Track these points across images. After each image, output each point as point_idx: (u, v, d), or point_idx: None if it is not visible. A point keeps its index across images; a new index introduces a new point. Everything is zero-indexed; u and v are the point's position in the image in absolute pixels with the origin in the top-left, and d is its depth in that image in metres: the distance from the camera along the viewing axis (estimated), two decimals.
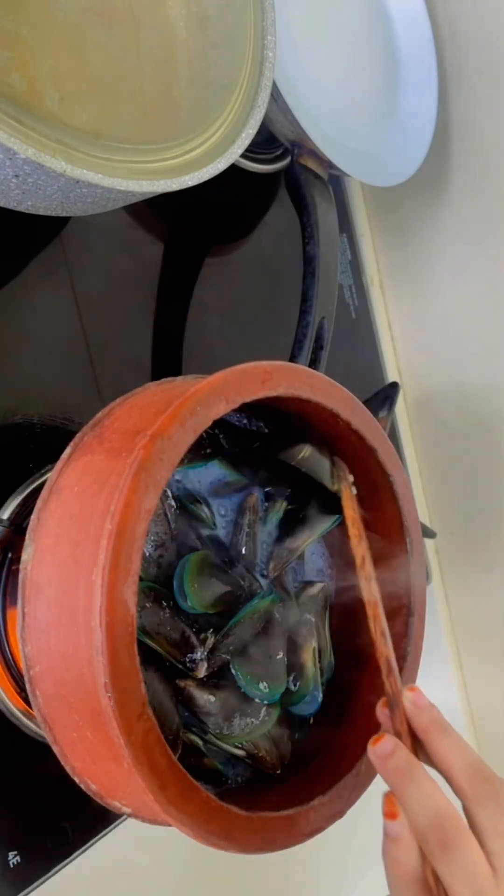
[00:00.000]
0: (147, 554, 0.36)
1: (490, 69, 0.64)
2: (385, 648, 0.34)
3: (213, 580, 0.36)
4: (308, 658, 0.40)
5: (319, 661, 0.41)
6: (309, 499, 0.42)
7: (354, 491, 0.39)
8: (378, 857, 0.31)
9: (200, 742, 0.36)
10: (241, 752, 0.36)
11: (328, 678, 0.41)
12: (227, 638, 0.36)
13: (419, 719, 0.33)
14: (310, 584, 0.42)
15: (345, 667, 0.42)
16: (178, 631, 0.34)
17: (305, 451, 0.39)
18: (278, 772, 0.37)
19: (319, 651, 0.41)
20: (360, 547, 0.36)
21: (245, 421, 0.41)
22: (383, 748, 0.31)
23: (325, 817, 0.34)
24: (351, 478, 0.40)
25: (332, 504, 0.41)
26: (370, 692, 0.40)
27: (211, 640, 0.35)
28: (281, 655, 0.38)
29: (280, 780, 0.37)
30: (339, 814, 0.35)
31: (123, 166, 0.36)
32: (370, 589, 0.35)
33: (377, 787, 0.36)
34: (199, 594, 0.35)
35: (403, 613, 0.40)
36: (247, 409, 0.38)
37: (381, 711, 0.33)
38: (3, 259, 0.45)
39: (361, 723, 0.38)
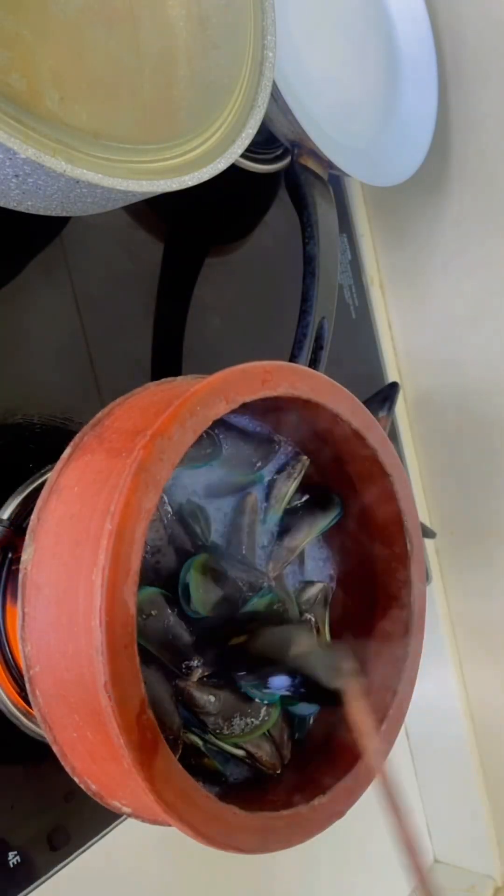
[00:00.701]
0: (146, 558, 0.35)
1: (490, 69, 0.64)
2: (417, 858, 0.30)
3: (215, 584, 0.36)
4: None
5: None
6: None
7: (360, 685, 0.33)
8: (377, 857, 0.31)
9: (200, 742, 0.36)
10: (240, 753, 0.36)
11: None
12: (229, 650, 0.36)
13: None
14: (310, 584, 0.42)
15: None
16: (179, 637, 0.34)
17: (299, 646, 0.34)
18: (278, 772, 0.37)
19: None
20: (381, 768, 0.31)
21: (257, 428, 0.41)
22: None
23: (325, 817, 0.34)
24: (356, 669, 0.34)
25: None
26: (370, 692, 0.40)
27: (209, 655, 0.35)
28: None
29: (280, 780, 0.37)
30: (339, 814, 0.35)
31: (123, 166, 0.36)
32: (391, 793, 0.30)
33: (377, 788, 0.36)
34: (203, 599, 0.35)
35: (403, 613, 0.40)
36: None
37: None
38: (3, 259, 0.45)
39: None
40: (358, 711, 0.32)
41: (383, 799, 0.31)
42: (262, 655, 0.34)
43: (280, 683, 0.32)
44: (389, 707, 0.38)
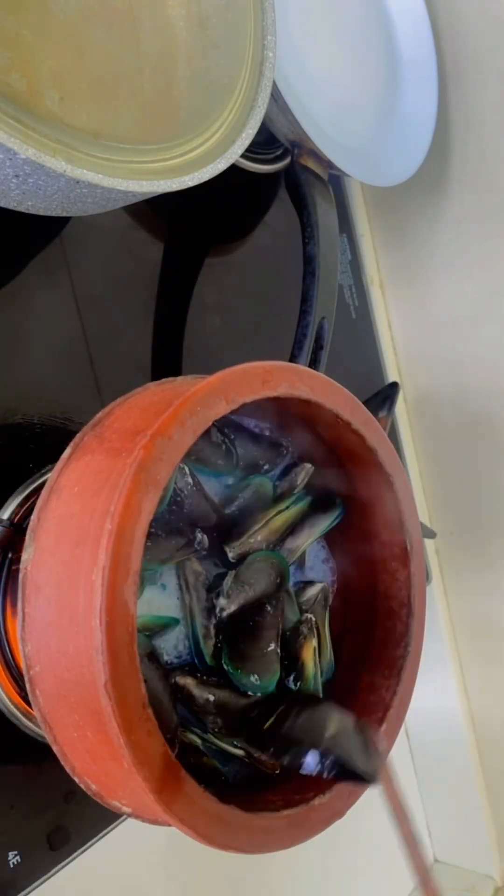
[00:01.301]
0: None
1: (490, 69, 0.64)
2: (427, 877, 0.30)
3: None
4: (308, 657, 0.40)
5: (319, 661, 0.41)
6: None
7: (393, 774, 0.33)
8: (376, 857, 0.31)
9: (199, 741, 0.36)
10: (240, 753, 0.36)
11: (327, 678, 0.41)
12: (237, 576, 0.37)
13: None
14: (310, 584, 0.42)
15: (344, 667, 0.42)
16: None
17: (333, 729, 0.33)
18: (277, 772, 0.37)
19: (319, 650, 0.41)
20: (416, 856, 0.31)
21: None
22: None
23: (325, 817, 0.34)
24: (386, 750, 0.35)
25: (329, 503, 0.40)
26: (369, 692, 0.40)
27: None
28: (273, 647, 0.38)
29: (280, 779, 0.37)
30: (339, 814, 0.35)
31: (124, 166, 0.36)
32: (417, 855, 0.31)
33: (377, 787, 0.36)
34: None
35: (403, 613, 0.40)
36: None
37: None
38: (3, 259, 0.45)
39: None
40: (391, 793, 0.32)
41: (388, 804, 0.31)
42: (296, 739, 0.33)
43: (312, 763, 0.32)
44: (389, 707, 0.38)
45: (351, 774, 0.32)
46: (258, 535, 0.38)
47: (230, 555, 0.37)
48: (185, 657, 0.37)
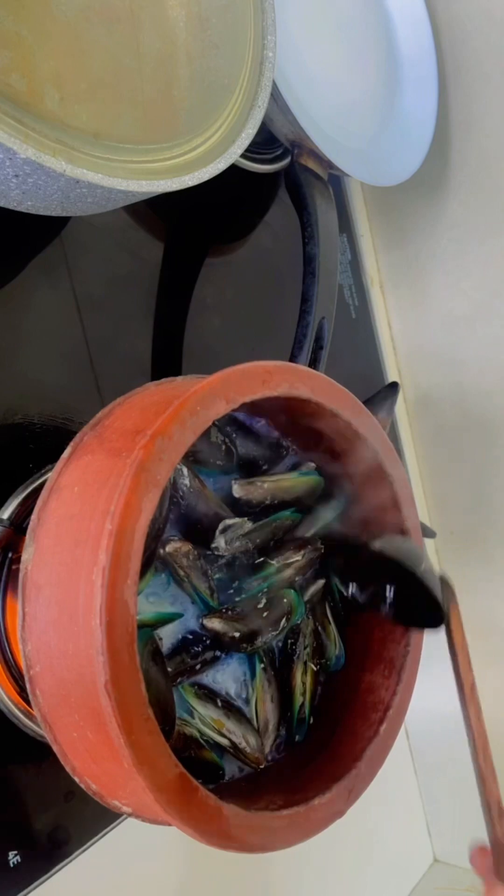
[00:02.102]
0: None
1: (490, 69, 0.64)
2: (495, 789, 0.31)
3: None
4: (297, 682, 0.40)
5: (322, 658, 0.41)
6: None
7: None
8: (376, 858, 0.31)
9: (198, 733, 0.36)
10: (225, 742, 0.36)
11: (336, 669, 0.42)
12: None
13: None
14: (311, 581, 0.42)
15: (347, 664, 0.42)
16: None
17: (425, 563, 0.36)
18: (262, 766, 0.37)
19: (322, 648, 0.41)
20: (468, 675, 0.33)
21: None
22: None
23: (325, 817, 0.34)
24: (457, 601, 0.37)
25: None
26: (371, 691, 0.40)
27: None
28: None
29: (280, 779, 0.37)
30: (339, 814, 0.35)
31: (124, 166, 0.36)
32: (479, 724, 0.32)
33: (377, 787, 0.37)
34: None
35: None
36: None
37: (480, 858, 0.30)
38: (3, 259, 0.45)
39: (361, 722, 0.38)
40: (460, 639, 0.36)
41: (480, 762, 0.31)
42: (392, 561, 0.35)
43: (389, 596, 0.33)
44: (389, 707, 0.38)
45: (422, 615, 0.34)
46: (265, 484, 0.39)
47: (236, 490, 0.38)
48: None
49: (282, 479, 0.40)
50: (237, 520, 0.38)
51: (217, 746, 0.37)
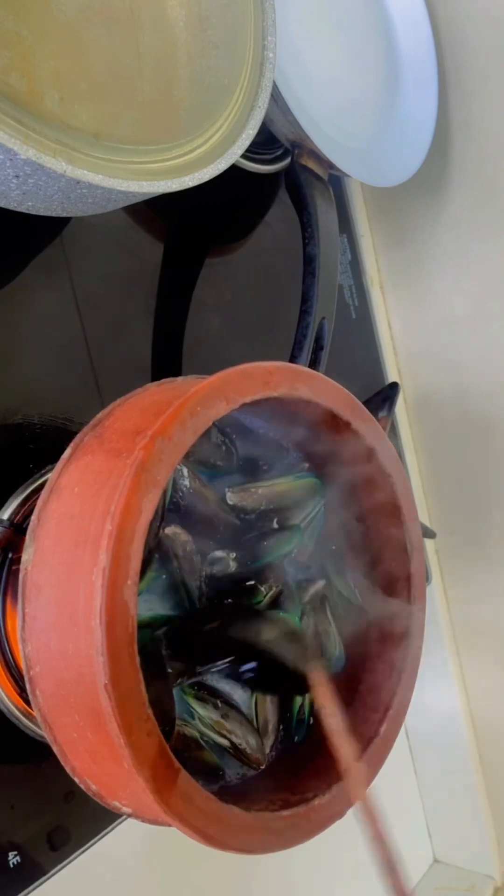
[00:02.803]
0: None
1: (490, 69, 0.64)
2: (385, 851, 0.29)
3: None
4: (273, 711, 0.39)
5: (323, 657, 0.41)
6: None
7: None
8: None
9: (198, 734, 0.36)
10: (225, 742, 0.36)
11: (336, 671, 0.42)
12: None
13: None
14: (309, 582, 0.42)
15: (347, 664, 0.42)
16: None
17: (270, 631, 0.35)
18: (262, 767, 0.37)
19: (322, 648, 0.41)
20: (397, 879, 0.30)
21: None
22: None
23: (325, 817, 0.34)
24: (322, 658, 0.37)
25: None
26: (371, 692, 0.40)
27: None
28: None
29: (280, 780, 0.37)
30: (339, 814, 0.35)
31: (124, 167, 0.36)
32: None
33: (377, 787, 0.36)
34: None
35: (403, 614, 0.40)
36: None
37: None
38: (3, 259, 0.45)
39: (361, 722, 0.38)
40: (324, 695, 0.34)
41: (366, 825, 0.30)
42: (237, 640, 0.34)
43: (248, 667, 0.33)
44: (389, 707, 0.38)
45: (284, 682, 0.34)
46: (259, 490, 0.39)
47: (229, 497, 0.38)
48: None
49: (276, 484, 0.40)
50: (223, 554, 0.37)
51: (217, 747, 0.37)
